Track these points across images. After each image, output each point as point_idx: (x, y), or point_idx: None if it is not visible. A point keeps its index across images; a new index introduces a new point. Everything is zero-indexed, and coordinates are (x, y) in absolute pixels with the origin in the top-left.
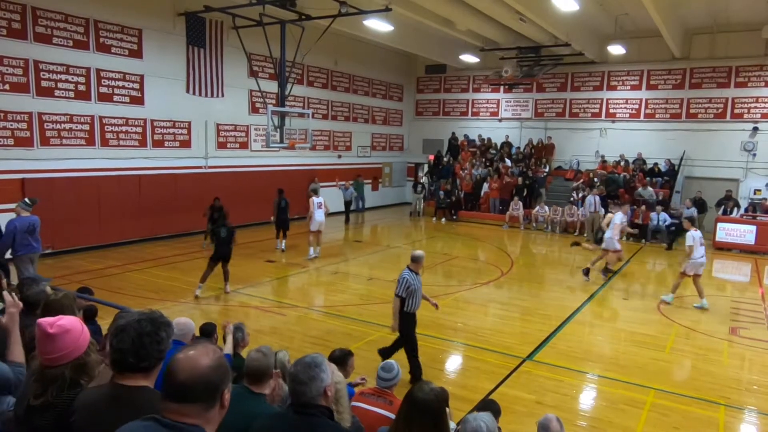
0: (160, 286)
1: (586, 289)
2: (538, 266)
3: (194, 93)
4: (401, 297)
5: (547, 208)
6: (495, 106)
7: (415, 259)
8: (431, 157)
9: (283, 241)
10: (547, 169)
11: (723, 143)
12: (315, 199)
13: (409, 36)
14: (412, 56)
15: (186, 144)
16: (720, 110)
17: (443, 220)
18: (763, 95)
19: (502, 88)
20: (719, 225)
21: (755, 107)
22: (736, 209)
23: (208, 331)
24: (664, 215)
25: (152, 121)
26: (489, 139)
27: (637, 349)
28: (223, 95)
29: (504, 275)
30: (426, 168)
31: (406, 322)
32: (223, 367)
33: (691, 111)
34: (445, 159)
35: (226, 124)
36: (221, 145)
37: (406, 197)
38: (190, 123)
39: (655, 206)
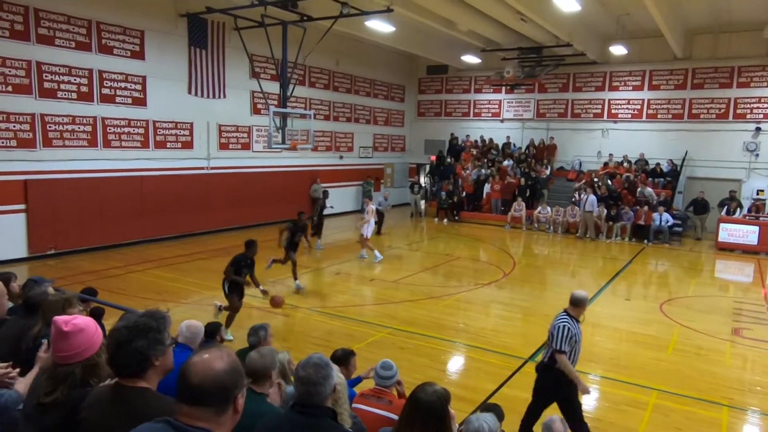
0: (163, 287)
1: (587, 289)
2: (540, 267)
3: (196, 94)
4: (564, 352)
5: (549, 208)
6: (497, 106)
7: (578, 302)
8: (433, 157)
9: (318, 241)
10: (549, 170)
11: (725, 143)
12: (372, 206)
13: (411, 37)
14: (414, 57)
15: (188, 145)
16: (722, 110)
17: (445, 220)
18: (766, 95)
19: (503, 88)
20: (722, 225)
21: (758, 107)
22: (738, 210)
23: (211, 331)
24: (666, 216)
25: (154, 122)
26: (491, 140)
27: (639, 349)
28: (225, 96)
29: (506, 276)
30: (428, 168)
31: (564, 381)
32: (236, 372)
33: (693, 111)
34: (448, 160)
35: (228, 125)
36: (223, 146)
37: (408, 198)
38: (192, 124)
39: (658, 206)
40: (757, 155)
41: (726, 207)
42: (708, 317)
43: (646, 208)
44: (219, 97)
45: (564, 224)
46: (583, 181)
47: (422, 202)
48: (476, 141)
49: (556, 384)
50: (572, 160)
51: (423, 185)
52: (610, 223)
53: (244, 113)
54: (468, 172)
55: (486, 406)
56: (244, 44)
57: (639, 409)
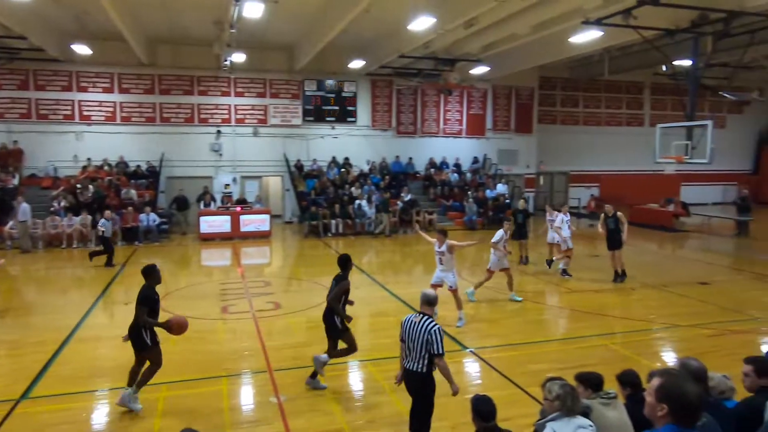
0: None
1: (83, 303)
2: (24, 292)
3: None
4: (443, 354)
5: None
6: None
7: (433, 301)
8: None
9: None
10: (17, 179)
11: (195, 145)
12: None
13: None
14: None
15: None
16: (189, 115)
17: None
18: (222, 103)
19: None
20: (202, 219)
21: (217, 113)
22: (213, 203)
23: None
24: (153, 215)
25: None
26: None
27: None
28: None
29: None
30: None
31: (431, 383)
32: None
33: (164, 115)
34: None
35: None
36: None
37: None
38: None
39: (144, 207)
40: (221, 155)
41: (202, 201)
42: (201, 302)
43: (131, 209)
44: None
45: (45, 237)
46: (62, 188)
47: None
48: None
49: (429, 388)
50: (45, 166)
51: None
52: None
53: None
54: None
55: None
56: None
57: (152, 409)
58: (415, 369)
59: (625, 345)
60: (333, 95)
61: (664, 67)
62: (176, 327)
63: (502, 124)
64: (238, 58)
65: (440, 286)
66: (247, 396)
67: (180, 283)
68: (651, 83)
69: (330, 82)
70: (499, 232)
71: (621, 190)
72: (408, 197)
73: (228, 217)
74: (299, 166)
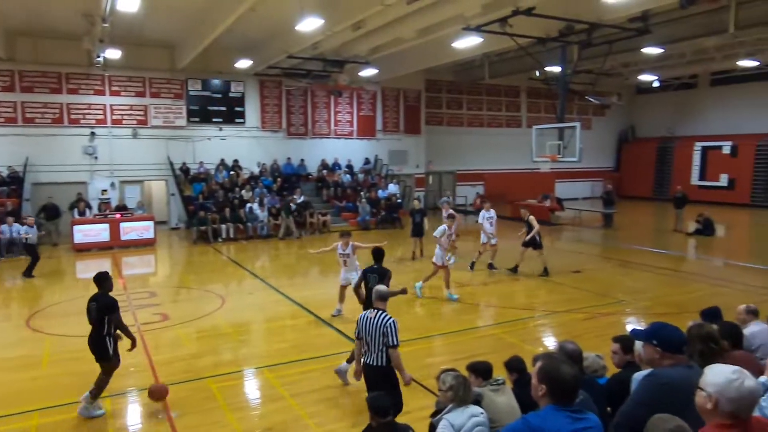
0: None
1: None
2: None
3: None
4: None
5: None
6: None
7: (387, 296)
8: None
9: None
10: None
11: (66, 148)
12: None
13: None
14: None
15: None
16: (57, 115)
17: None
18: (95, 102)
19: None
20: (75, 228)
21: (90, 113)
22: (88, 210)
23: None
24: (17, 226)
25: None
26: None
27: (10, 375)
28: None
29: None
30: None
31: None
32: None
33: (28, 115)
34: None
35: None
36: None
37: None
38: None
39: (6, 217)
40: (97, 158)
41: (76, 209)
42: (77, 319)
43: None
44: None
45: None
46: None
47: None
48: None
49: (391, 381)
50: None
51: None
52: None
53: None
54: None
55: None
56: None
57: None
58: (375, 364)
59: (512, 333)
60: (219, 95)
61: (537, 73)
62: (156, 392)
63: (392, 125)
64: (113, 54)
65: (348, 285)
66: (134, 415)
67: (53, 299)
68: (527, 87)
69: (216, 82)
70: (442, 227)
71: (503, 187)
72: (301, 199)
73: (106, 225)
74: (185, 170)
